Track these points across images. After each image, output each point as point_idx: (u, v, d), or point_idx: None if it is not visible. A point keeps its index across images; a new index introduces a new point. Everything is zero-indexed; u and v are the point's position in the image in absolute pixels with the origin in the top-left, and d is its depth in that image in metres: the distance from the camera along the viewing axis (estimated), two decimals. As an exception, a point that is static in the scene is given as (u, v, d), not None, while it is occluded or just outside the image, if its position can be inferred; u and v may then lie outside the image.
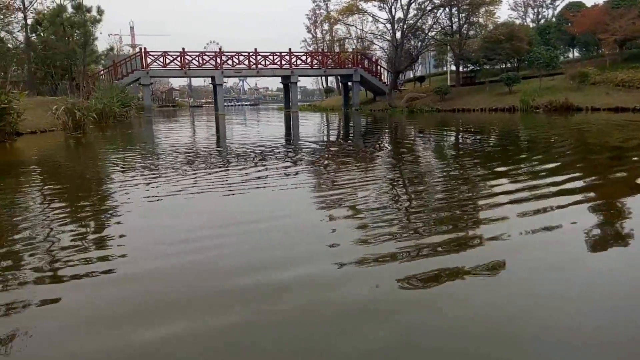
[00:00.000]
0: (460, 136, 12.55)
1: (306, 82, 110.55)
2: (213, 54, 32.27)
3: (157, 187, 5.52)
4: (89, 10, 25.84)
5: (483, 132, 13.22)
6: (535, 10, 46.32)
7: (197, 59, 31.73)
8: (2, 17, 28.12)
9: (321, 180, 5.94)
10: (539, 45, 27.65)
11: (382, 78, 35.63)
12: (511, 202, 4.16)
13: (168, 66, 31.24)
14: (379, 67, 36.21)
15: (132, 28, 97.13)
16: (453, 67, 33.92)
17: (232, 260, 2.96)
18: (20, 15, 25.65)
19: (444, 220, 3.71)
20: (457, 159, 7.81)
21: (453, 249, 3.01)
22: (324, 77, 51.96)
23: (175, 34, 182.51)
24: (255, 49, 32.64)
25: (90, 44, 27.33)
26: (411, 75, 41.39)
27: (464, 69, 32.96)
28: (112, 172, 7.12)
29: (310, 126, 18.78)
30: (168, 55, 31.17)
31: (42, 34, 28.37)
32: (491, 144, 10.19)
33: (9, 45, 28.10)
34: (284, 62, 33.48)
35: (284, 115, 29.83)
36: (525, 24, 41.67)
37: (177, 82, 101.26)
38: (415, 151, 9.14)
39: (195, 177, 6.07)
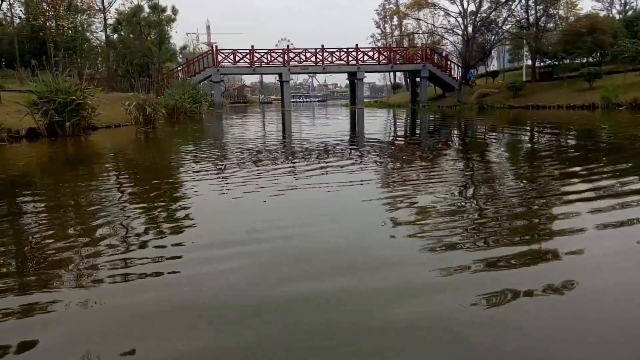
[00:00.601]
0: (535, 135, 11.74)
1: (375, 78, 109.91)
2: (281, 51, 32.68)
3: (217, 180, 5.63)
4: (164, 10, 27.00)
5: (560, 130, 12.34)
6: (622, 0, 43.03)
7: (265, 56, 32.26)
8: (86, 17, 30.05)
9: (383, 180, 5.64)
10: (625, 39, 25.59)
11: (452, 73, 34.53)
12: (592, 211, 3.66)
13: (238, 63, 31.99)
14: (448, 62, 35.13)
15: (208, 27, 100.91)
16: (529, 62, 32.23)
17: (288, 265, 2.78)
18: (101, 15, 27.26)
19: (515, 229, 3.34)
20: (531, 160, 7.19)
21: (523, 262, 2.70)
22: (391, 73, 51.21)
23: (249, 32, 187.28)
24: (322, 46, 32.70)
25: (165, 42, 28.53)
26: (484, 71, 39.82)
27: (541, 64, 31.19)
28: (173, 165, 7.34)
29: (375, 123, 18.49)
30: (238, 52, 31.92)
31: (122, 33, 30.04)
32: (570, 144, 9.39)
33: (93, 44, 30.03)
34: (350, 58, 33.30)
35: (349, 112, 29.69)
36: (610, 15, 38.82)
37: (249, 79, 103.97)
38: (485, 151, 8.58)
39: (256, 173, 6.06)
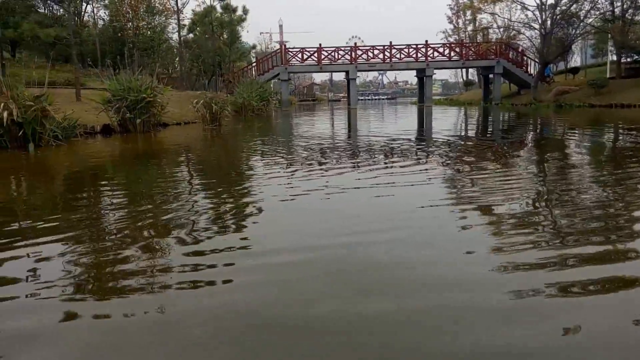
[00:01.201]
0: (620, 136, 10.73)
1: (447, 75, 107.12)
2: (348, 48, 32.55)
3: (278, 178, 5.61)
4: (235, 10, 27.73)
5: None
6: None
7: (332, 54, 32.28)
8: (164, 19, 31.46)
9: (451, 183, 5.28)
10: None
11: (528, 70, 32.86)
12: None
13: (305, 62, 32.25)
14: (524, 57, 33.46)
15: (280, 26, 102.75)
16: (614, 57, 29.98)
17: (346, 279, 2.54)
18: (176, 16, 28.44)
19: (604, 247, 2.98)
20: (617, 164, 6.42)
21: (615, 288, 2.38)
22: (464, 70, 49.60)
23: (320, 31, 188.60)
24: (390, 42, 32.22)
25: (236, 42, 29.29)
26: (563, 67, 37.57)
27: (628, 59, 28.92)
28: (230, 162, 7.46)
29: (444, 121, 17.87)
30: (306, 51, 32.17)
31: (196, 33, 31.22)
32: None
33: (172, 43, 31.39)
34: (419, 55, 32.58)
35: (417, 110, 29.06)
36: None
37: (319, 77, 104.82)
38: (564, 153, 7.90)
39: (318, 171, 6.00)
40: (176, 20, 30.88)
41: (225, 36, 29.99)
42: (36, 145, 9.25)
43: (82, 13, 25.66)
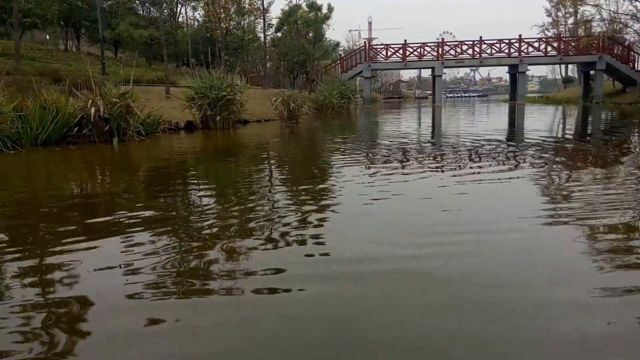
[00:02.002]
0: None
1: (543, 71, 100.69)
2: (435, 44, 31.58)
3: (354, 178, 5.55)
4: (319, 8, 27.91)
5: None
6: None
7: (418, 50, 31.49)
8: (253, 18, 32.42)
9: (544, 192, 4.84)
10: None
11: (635, 66, 29.97)
12: None
13: (390, 58, 31.76)
14: (631, 53, 30.54)
15: (369, 23, 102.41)
16: None
17: (432, 292, 2.37)
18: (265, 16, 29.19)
19: None
20: None
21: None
22: (563, 66, 46.31)
23: (409, 27, 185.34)
24: (481, 37, 30.83)
25: (321, 40, 29.49)
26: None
27: None
28: (302, 159, 7.47)
29: (537, 121, 16.72)
30: (390, 47, 31.68)
31: (283, 32, 31.83)
32: None
33: (261, 43, 32.28)
34: (512, 50, 30.85)
35: (508, 108, 27.56)
36: None
37: (407, 74, 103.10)
38: None
39: (395, 173, 5.86)
40: (266, 20, 31.75)
41: (310, 34, 30.28)
42: (120, 140, 9.84)
43: (177, 14, 27.15)
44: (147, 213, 4.06)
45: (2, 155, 7.88)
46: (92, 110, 9.35)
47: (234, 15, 29.31)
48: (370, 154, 7.91)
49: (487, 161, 6.66)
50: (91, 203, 4.66)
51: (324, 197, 4.56)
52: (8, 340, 1.95)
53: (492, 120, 18.52)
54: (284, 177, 6.12)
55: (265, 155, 8.56)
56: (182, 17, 29.97)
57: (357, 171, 6.12)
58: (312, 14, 28.15)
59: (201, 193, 5.13)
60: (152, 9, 24.26)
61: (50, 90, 10.10)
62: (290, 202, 4.40)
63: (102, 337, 1.99)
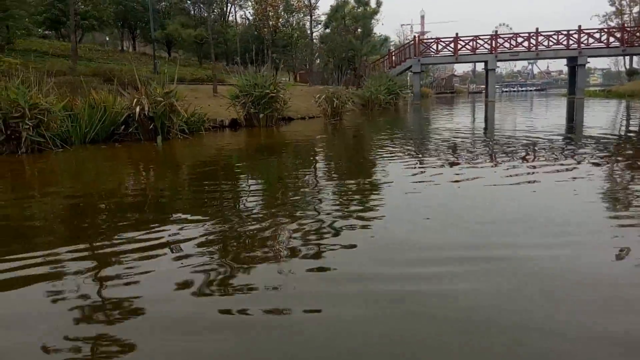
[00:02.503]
0: None
1: (605, 64, 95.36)
2: (488, 37, 30.51)
3: (400, 177, 5.46)
4: (367, 3, 27.60)
5: None
6: None
7: (470, 43, 30.54)
8: (302, 15, 32.55)
9: (612, 190, 4.56)
10: None
11: None
12: None
13: (440, 52, 31.01)
14: None
15: (422, 17, 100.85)
16: None
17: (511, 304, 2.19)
18: (313, 12, 29.24)
19: None
20: None
21: None
22: (627, 58, 43.64)
23: (464, 20, 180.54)
24: (537, 29, 29.51)
25: (369, 35, 29.19)
26: None
27: None
28: (342, 156, 7.40)
29: (598, 116, 15.75)
30: (441, 41, 30.92)
31: (332, 28, 31.74)
32: None
33: (308, 40, 32.36)
34: (570, 42, 29.35)
35: (567, 102, 26.27)
36: None
37: (461, 68, 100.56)
38: None
39: (444, 170, 5.71)
40: (313, 17, 31.78)
41: (359, 30, 30.04)
42: (164, 138, 10.07)
43: (227, 14, 27.63)
44: (191, 209, 4.13)
45: (51, 154, 8.21)
46: (137, 109, 9.62)
47: (282, 13, 29.55)
48: (411, 151, 7.70)
49: (546, 160, 6.28)
50: (136, 199, 4.77)
51: (369, 201, 4.39)
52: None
53: (554, 115, 17.65)
54: (316, 176, 6.04)
55: (301, 154, 8.51)
56: (232, 16, 30.47)
57: (400, 169, 5.99)
58: (360, 9, 27.89)
59: (245, 189, 5.22)
60: (202, 8, 24.80)
61: (99, 90, 10.50)
62: (335, 201, 4.32)
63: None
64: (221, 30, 25.50)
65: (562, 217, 3.51)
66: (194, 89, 16.73)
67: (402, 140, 9.82)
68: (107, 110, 9.83)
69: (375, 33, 30.98)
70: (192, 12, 25.25)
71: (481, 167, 5.87)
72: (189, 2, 25.53)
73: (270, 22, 27.64)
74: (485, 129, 12.50)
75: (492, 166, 5.98)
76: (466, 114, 20.79)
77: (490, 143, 8.59)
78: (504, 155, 6.85)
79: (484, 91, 39.76)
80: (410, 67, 30.54)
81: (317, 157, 7.96)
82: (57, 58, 17.83)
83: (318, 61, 35.11)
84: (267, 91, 13.18)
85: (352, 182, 5.25)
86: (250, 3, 30.27)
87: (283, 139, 11.09)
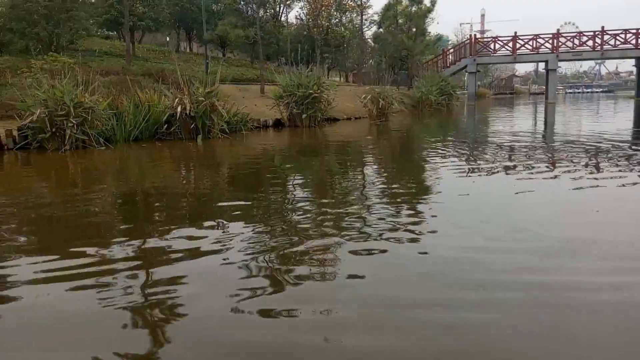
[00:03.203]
0: None
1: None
2: (549, 36, 29.09)
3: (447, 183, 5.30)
4: (421, 1, 26.95)
5: None
6: None
7: (530, 42, 29.24)
8: (355, 15, 32.28)
9: None
10: None
11: None
12: None
13: (498, 52, 29.89)
14: None
15: (482, 16, 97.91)
16: None
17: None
18: (367, 12, 28.93)
19: None
20: None
21: None
22: None
23: (526, 18, 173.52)
24: (602, 27, 27.86)
25: (423, 34, 28.53)
26: None
27: None
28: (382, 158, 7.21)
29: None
30: (498, 40, 29.81)
31: (384, 27, 31.29)
32: None
33: (362, 39, 32.11)
34: (640, 41, 27.51)
35: (634, 105, 24.63)
36: None
37: (523, 68, 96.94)
38: None
39: (498, 177, 5.49)
40: (366, 16, 31.44)
41: (414, 29, 29.42)
42: (205, 137, 10.19)
43: (280, 14, 27.79)
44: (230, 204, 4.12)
45: (94, 151, 8.46)
46: (179, 108, 9.77)
47: (334, 12, 29.40)
48: (446, 156, 7.38)
49: (614, 168, 5.85)
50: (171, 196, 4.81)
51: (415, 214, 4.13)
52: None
53: (618, 118, 16.54)
54: (347, 184, 5.88)
55: (335, 157, 8.35)
56: (285, 15, 30.71)
57: (438, 176, 5.78)
58: (413, 7, 27.29)
59: (280, 189, 5.25)
60: (253, 8, 25.11)
61: (146, 89, 10.77)
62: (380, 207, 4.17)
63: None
64: (273, 30, 25.70)
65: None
66: (242, 88, 16.94)
67: (438, 144, 9.44)
68: (151, 109, 10.06)
69: (429, 32, 30.20)
70: (246, 12, 25.57)
71: (539, 178, 5.41)
72: (242, 2, 25.89)
73: (322, 22, 27.56)
74: (543, 133, 11.80)
75: (551, 177, 5.47)
76: (523, 116, 19.91)
77: (547, 149, 8.09)
78: (564, 163, 6.38)
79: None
80: (466, 66, 29.63)
81: (344, 162, 7.78)
82: (115, 58, 18.54)
83: (372, 61, 34.73)
84: (311, 91, 13.09)
85: (374, 191, 5.04)
86: (300, 3, 30.32)
87: (319, 141, 10.94)
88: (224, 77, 17.91)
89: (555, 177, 5.43)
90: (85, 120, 8.37)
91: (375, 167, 6.94)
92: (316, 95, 13.15)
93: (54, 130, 8.06)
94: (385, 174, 6.18)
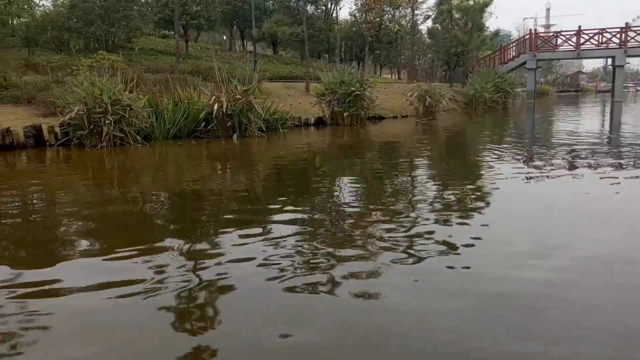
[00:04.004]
0: None
1: None
2: (617, 30, 27.23)
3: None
4: (476, -5, 26.01)
5: None
6: None
7: (596, 37, 27.50)
8: (409, 10, 31.61)
9: None
10: None
11: None
12: None
13: (560, 47, 28.32)
14: None
15: (547, 10, 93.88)
16: None
17: None
18: (422, 7, 28.28)
19: None
20: None
21: None
22: None
23: (594, 13, 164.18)
24: (679, 19, 25.71)
25: (480, 29, 27.51)
26: None
27: None
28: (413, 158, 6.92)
29: None
30: (561, 35, 28.24)
31: (443, 23, 30.42)
32: None
33: (414, 35, 31.43)
34: None
35: None
36: None
37: (591, 64, 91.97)
38: None
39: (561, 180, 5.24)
40: (421, 12, 30.70)
41: (469, 24, 28.42)
42: (242, 135, 10.17)
43: (331, 10, 27.66)
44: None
45: (130, 148, 8.60)
46: (216, 106, 9.79)
47: (387, 8, 28.88)
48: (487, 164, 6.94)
49: None
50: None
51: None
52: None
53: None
54: (376, 191, 5.62)
55: (365, 160, 8.07)
56: (336, 13, 30.51)
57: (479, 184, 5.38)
58: (469, 2, 26.35)
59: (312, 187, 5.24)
60: (300, 5, 25.12)
61: (186, 87, 10.88)
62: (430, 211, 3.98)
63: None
64: (324, 27, 25.58)
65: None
66: (289, 86, 16.90)
67: (481, 148, 8.94)
68: (190, 107, 10.14)
69: (487, 27, 29.02)
70: (296, 10, 25.60)
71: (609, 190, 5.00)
72: (292, 0, 25.97)
73: (373, 18, 27.11)
74: (609, 134, 10.92)
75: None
76: (583, 116, 18.72)
77: (612, 151, 7.48)
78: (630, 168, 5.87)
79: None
80: (525, 63, 28.28)
81: (375, 166, 7.48)
82: (168, 56, 19.03)
83: (426, 57, 33.90)
84: (353, 89, 12.82)
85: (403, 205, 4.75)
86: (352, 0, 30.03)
87: (353, 141, 10.62)
88: (272, 74, 18.01)
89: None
90: (122, 117, 8.52)
91: (395, 173, 6.54)
92: (359, 93, 12.86)
93: (91, 127, 8.25)
94: (413, 183, 5.85)
